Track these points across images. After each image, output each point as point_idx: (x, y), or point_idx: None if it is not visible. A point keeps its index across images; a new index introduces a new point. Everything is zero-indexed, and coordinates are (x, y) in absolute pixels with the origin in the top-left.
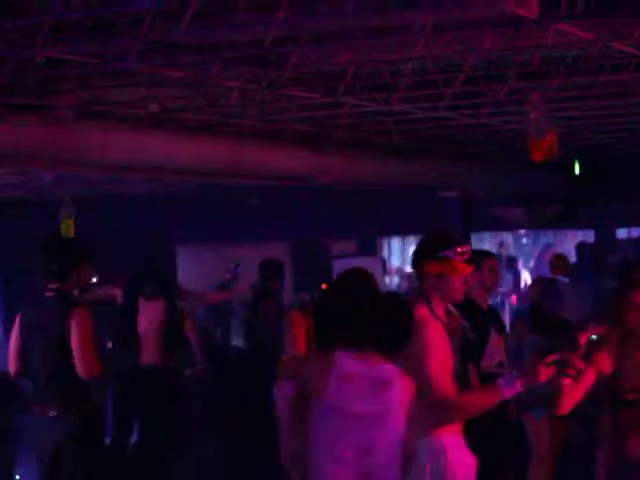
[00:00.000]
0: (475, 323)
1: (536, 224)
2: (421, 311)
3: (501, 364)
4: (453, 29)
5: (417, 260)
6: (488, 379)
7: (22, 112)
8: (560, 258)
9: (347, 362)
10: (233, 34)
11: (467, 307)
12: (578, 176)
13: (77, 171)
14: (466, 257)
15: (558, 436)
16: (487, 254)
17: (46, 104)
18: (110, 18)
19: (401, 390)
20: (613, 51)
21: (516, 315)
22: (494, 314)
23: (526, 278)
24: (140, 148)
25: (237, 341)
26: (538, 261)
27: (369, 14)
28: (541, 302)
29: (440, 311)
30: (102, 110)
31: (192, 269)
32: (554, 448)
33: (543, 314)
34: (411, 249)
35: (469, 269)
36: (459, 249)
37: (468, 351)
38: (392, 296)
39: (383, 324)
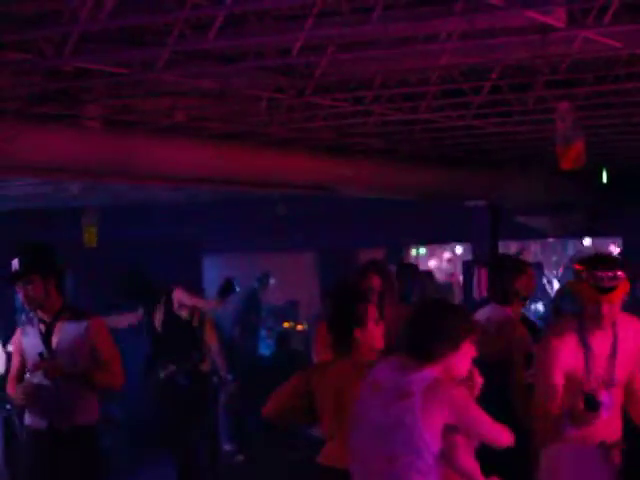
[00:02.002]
0: None
1: (563, 232)
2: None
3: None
4: (480, 37)
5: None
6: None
7: (50, 122)
8: None
9: (382, 371)
10: (260, 43)
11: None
12: (605, 184)
13: (104, 181)
14: (602, 284)
15: None
16: (524, 264)
17: (74, 114)
18: (138, 28)
19: (417, 401)
20: None
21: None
22: (529, 324)
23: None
24: (167, 157)
25: (265, 350)
26: (566, 269)
27: (396, 23)
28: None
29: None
30: (130, 119)
31: (218, 278)
32: None
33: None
34: (439, 258)
35: (601, 297)
36: (598, 274)
37: None
38: (428, 301)
39: (414, 329)
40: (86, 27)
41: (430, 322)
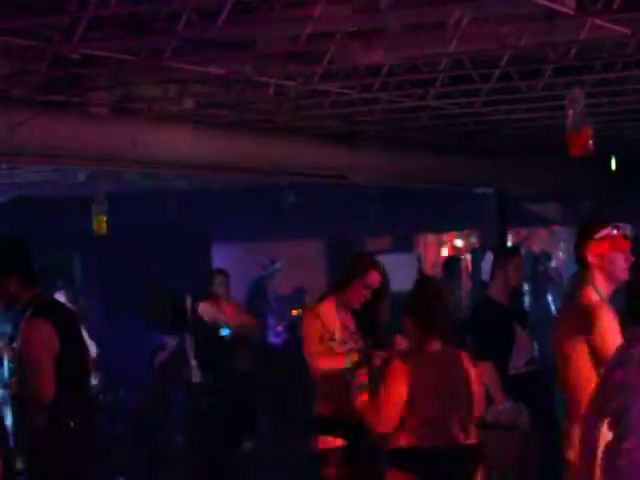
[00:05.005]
0: (496, 322)
1: (572, 220)
2: (591, 296)
3: (529, 362)
4: (489, 24)
5: (578, 246)
6: (520, 380)
7: (58, 108)
8: None
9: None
10: (269, 31)
11: (487, 306)
12: (614, 172)
13: (111, 167)
14: (623, 232)
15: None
16: (513, 253)
17: (81, 101)
18: (146, 15)
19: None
20: None
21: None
22: (518, 311)
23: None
24: (174, 145)
25: (273, 338)
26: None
27: (405, 10)
28: None
29: (607, 294)
30: (137, 107)
31: (227, 266)
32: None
33: None
34: (447, 245)
35: (628, 244)
36: (615, 226)
37: None
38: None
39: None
40: (94, 14)
41: None
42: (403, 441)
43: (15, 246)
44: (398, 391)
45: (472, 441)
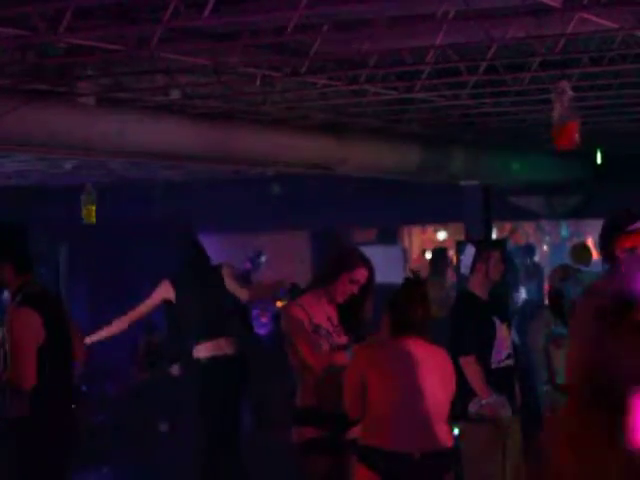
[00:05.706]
0: (477, 316)
1: (557, 213)
2: None
3: (510, 355)
4: (476, 17)
5: (606, 240)
6: (501, 373)
7: (43, 98)
8: (582, 247)
9: None
10: (255, 21)
11: (466, 299)
12: (600, 165)
13: (97, 157)
14: None
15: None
16: (494, 247)
17: (67, 90)
18: (132, 4)
19: None
20: (636, 39)
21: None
22: (497, 304)
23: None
24: (160, 135)
25: (257, 329)
26: (558, 249)
27: (391, 1)
28: (561, 288)
29: None
30: (123, 97)
31: (212, 258)
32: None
33: (563, 301)
34: (431, 237)
35: None
36: None
37: None
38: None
39: None
40: (80, 3)
41: None
42: (368, 439)
43: (13, 231)
44: (353, 377)
45: (445, 445)
